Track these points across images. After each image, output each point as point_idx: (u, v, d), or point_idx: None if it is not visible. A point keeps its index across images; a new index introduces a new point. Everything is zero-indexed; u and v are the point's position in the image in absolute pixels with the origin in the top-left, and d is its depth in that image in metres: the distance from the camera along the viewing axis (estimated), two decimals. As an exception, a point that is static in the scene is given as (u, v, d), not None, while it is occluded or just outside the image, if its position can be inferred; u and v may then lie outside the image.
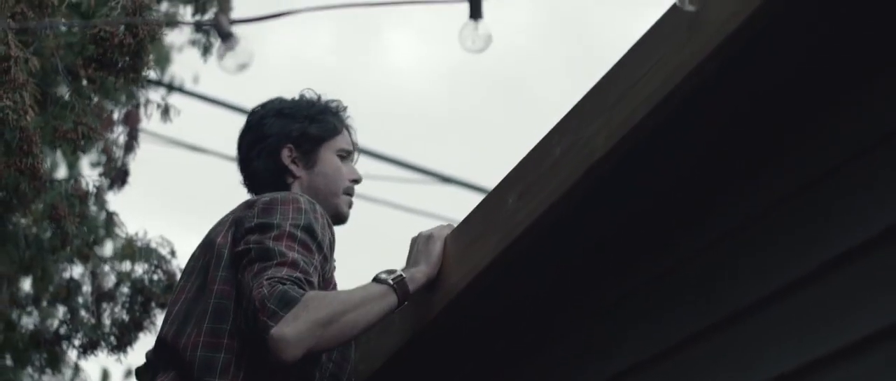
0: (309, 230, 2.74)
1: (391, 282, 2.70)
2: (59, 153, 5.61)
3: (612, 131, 2.30)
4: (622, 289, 2.59)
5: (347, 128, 3.14)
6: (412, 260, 2.80)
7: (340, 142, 3.09)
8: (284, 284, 2.60)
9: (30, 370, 4.62)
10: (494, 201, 2.66)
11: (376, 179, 7.14)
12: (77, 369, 4.84)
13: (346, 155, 3.09)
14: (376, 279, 2.71)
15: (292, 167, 3.03)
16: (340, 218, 3.04)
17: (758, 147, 2.30)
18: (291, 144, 3.04)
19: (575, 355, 2.70)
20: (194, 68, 9.09)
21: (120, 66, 3.52)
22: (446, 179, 7.90)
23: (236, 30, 1.83)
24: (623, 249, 2.59)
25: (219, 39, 1.84)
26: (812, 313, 2.11)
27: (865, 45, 2.09)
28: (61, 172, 4.85)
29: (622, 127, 2.28)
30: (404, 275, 2.72)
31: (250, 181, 3.07)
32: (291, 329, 2.56)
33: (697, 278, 2.39)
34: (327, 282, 2.79)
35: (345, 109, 3.16)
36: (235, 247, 2.76)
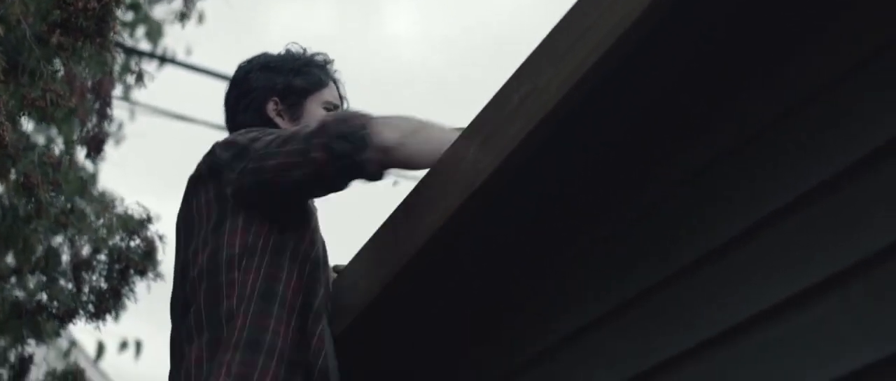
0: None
1: None
2: (50, 125, 5.60)
3: (563, 78, 2.28)
4: (586, 239, 2.57)
5: (335, 81, 3.12)
6: None
7: (327, 94, 3.06)
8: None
9: (11, 340, 4.61)
10: (457, 151, 2.63)
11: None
12: (63, 338, 4.83)
13: (332, 108, 3.06)
14: None
15: (278, 120, 3.01)
16: None
17: (710, 92, 2.27)
18: (276, 96, 3.02)
19: (542, 308, 2.68)
20: (187, 41, 9.14)
21: (85, 30, 3.48)
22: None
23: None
24: (585, 198, 2.56)
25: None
26: (770, 257, 2.09)
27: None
28: (58, 146, 4.85)
29: (573, 74, 2.25)
30: None
31: None
32: (384, 123, 2.61)
33: (658, 226, 2.37)
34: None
35: (331, 62, 3.13)
36: (223, 188, 2.73)
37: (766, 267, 2.08)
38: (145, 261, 4.29)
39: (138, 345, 7.75)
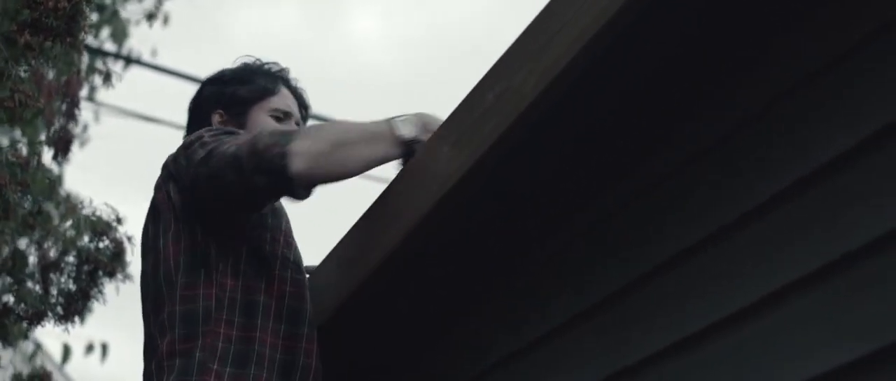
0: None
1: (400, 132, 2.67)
2: (14, 126, 5.55)
3: (540, 76, 2.27)
4: (558, 239, 2.57)
5: (291, 89, 3.14)
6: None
7: (275, 102, 3.09)
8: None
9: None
10: (429, 151, 2.62)
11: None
12: (29, 341, 4.79)
13: (282, 116, 3.08)
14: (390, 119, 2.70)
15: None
16: None
17: (688, 88, 2.27)
18: (221, 108, 3.07)
19: (513, 309, 2.67)
20: (152, 42, 9.12)
21: (55, 30, 3.45)
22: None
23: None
24: (557, 198, 2.56)
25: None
26: (745, 255, 2.09)
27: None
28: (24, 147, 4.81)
29: (550, 71, 2.25)
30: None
31: None
32: (302, 144, 2.53)
33: (632, 226, 2.37)
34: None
35: (284, 70, 3.17)
36: (184, 197, 2.72)
37: (740, 266, 2.08)
38: (114, 262, 4.26)
39: (104, 348, 7.69)
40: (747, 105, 2.13)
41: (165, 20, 7.02)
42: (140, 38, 10.78)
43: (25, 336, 4.69)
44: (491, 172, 2.47)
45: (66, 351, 7.64)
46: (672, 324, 2.21)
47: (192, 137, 2.78)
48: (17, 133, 5.58)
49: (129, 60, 7.29)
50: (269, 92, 3.09)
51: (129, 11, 6.97)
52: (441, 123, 2.61)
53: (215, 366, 2.59)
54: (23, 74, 3.67)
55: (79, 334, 8.23)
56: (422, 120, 2.72)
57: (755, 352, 2.01)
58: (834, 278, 1.88)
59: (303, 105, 3.17)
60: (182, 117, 3.21)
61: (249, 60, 3.17)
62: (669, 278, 2.23)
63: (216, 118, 3.06)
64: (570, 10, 2.21)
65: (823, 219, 1.92)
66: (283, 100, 3.11)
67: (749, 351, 2.02)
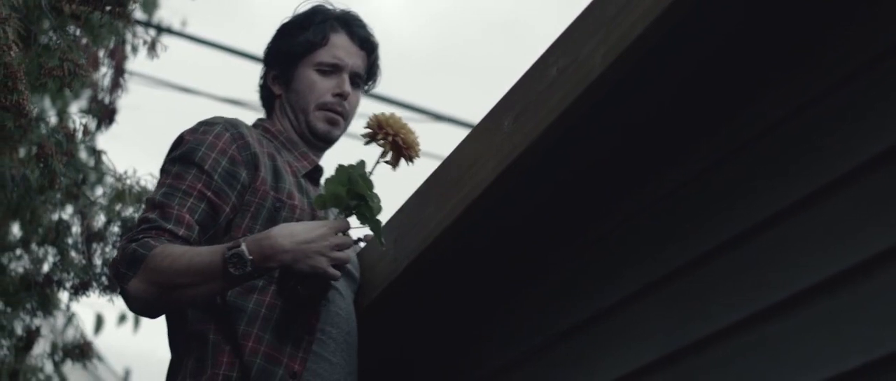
0: (184, 157, 2.75)
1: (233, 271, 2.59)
2: (47, 99, 5.54)
3: (609, 48, 2.24)
4: (617, 217, 2.55)
5: (348, 33, 2.99)
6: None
7: (321, 55, 2.96)
8: (137, 239, 2.63)
9: (21, 314, 4.56)
10: (489, 124, 2.60)
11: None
12: (69, 311, 4.79)
13: (328, 69, 2.96)
14: (225, 256, 2.59)
15: (274, 87, 3.01)
16: (316, 134, 2.95)
17: (760, 66, 2.24)
18: (271, 66, 3.02)
19: (569, 285, 2.66)
20: (182, 13, 9.11)
21: (105, 1, 3.44)
22: (439, 117, 7.84)
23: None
24: (620, 173, 2.54)
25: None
26: (809, 237, 2.07)
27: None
28: (51, 118, 4.77)
29: (621, 43, 2.22)
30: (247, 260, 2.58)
31: None
32: (136, 286, 2.60)
33: (694, 203, 2.35)
34: (257, 191, 2.77)
35: (341, 13, 3.01)
36: None
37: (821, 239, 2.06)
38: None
39: (137, 319, 7.71)
40: (826, 79, 2.10)
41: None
42: (169, 10, 10.75)
43: (68, 307, 4.69)
44: (553, 145, 2.46)
45: (99, 321, 7.66)
46: (751, 296, 2.19)
47: (165, 162, 2.82)
48: (46, 103, 5.58)
49: (159, 29, 7.27)
50: (315, 45, 2.96)
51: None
52: (291, 240, 2.58)
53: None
54: (73, 43, 3.66)
55: (106, 305, 8.23)
56: (262, 248, 2.59)
57: (769, 356, 2.02)
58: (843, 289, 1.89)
59: (365, 46, 3.01)
60: (213, 86, 3.17)
61: (303, 8, 3.03)
62: (742, 252, 2.21)
63: (270, 77, 3.01)
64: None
65: (839, 229, 1.92)
66: (331, 51, 2.97)
67: (768, 352, 2.02)
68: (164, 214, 2.68)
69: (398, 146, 2.71)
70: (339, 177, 2.62)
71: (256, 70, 3.21)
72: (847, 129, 2.02)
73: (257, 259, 2.58)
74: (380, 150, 2.71)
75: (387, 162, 2.72)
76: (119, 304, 5.12)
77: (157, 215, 2.68)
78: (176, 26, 7.45)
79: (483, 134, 2.62)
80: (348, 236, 2.65)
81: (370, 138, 2.73)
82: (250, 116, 3.07)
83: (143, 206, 2.75)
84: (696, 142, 2.35)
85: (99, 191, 4.66)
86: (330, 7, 3.02)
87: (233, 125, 2.83)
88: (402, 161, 2.73)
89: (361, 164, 2.63)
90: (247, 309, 2.68)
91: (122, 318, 7.73)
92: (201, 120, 2.86)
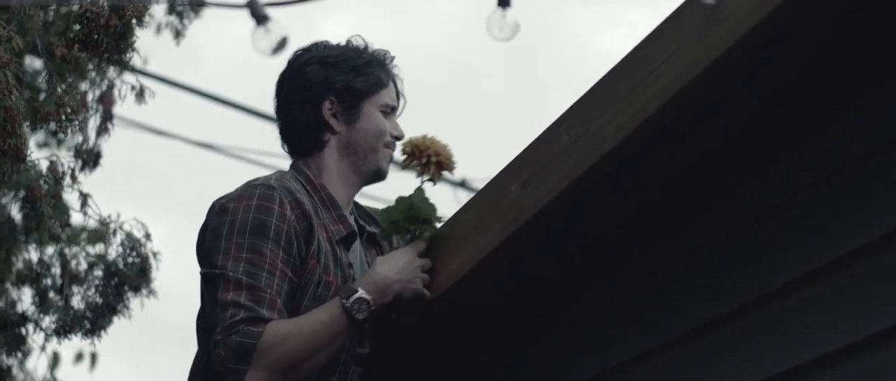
0: (256, 229, 2.68)
1: (357, 317, 2.64)
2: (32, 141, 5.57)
3: (624, 122, 2.31)
4: (624, 281, 2.62)
5: (394, 80, 2.98)
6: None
7: (385, 96, 2.93)
8: (237, 330, 2.58)
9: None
10: (497, 188, 2.66)
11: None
12: (43, 351, 4.79)
13: (389, 111, 2.93)
14: (345, 306, 2.64)
15: (332, 122, 2.89)
16: (380, 175, 2.93)
17: (770, 144, 2.32)
18: (334, 96, 2.89)
19: (574, 347, 2.72)
20: (154, 51, 9.09)
21: (104, 47, 3.48)
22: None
23: (270, 12, 1.82)
24: (627, 241, 2.60)
25: (253, 21, 1.83)
26: (816, 311, 2.14)
27: (880, 46, 2.12)
28: (34, 155, 4.79)
29: (635, 118, 2.29)
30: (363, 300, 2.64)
31: (287, 131, 2.95)
32: (257, 376, 2.57)
33: (701, 273, 2.41)
34: (307, 267, 2.72)
35: (392, 58, 2.99)
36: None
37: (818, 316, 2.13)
38: (139, 278, 4.28)
39: (93, 358, 7.68)
40: (833, 160, 2.17)
41: (176, 33, 6.99)
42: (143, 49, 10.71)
43: (43, 347, 4.70)
44: (562, 212, 2.52)
45: (55, 359, 7.63)
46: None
47: (211, 242, 2.72)
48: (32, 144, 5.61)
49: (141, 73, 7.27)
50: (382, 85, 2.93)
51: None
52: (395, 270, 2.67)
53: None
54: (61, 89, 3.70)
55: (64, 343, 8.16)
56: (377, 286, 2.67)
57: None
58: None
59: (400, 95, 3.00)
60: (192, 131, 3.16)
61: (357, 42, 2.97)
62: (746, 322, 2.27)
63: (327, 106, 2.88)
64: (656, 60, 2.26)
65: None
66: (390, 93, 2.95)
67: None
68: (255, 297, 2.63)
69: (438, 164, 2.85)
70: (398, 206, 2.77)
71: (223, 113, 3.19)
72: (864, 205, 2.10)
73: (375, 297, 2.65)
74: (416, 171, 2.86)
75: (429, 179, 2.86)
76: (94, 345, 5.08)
77: (249, 300, 2.62)
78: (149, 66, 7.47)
79: (490, 196, 2.68)
80: (426, 256, 2.76)
81: (409, 163, 2.85)
82: (222, 160, 3.07)
83: (219, 278, 2.62)
84: (707, 211, 2.42)
85: (85, 234, 4.68)
86: (376, 46, 3.00)
87: (288, 192, 2.76)
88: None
89: (421, 190, 2.80)
90: None
91: (79, 357, 7.70)
92: (252, 182, 2.80)
